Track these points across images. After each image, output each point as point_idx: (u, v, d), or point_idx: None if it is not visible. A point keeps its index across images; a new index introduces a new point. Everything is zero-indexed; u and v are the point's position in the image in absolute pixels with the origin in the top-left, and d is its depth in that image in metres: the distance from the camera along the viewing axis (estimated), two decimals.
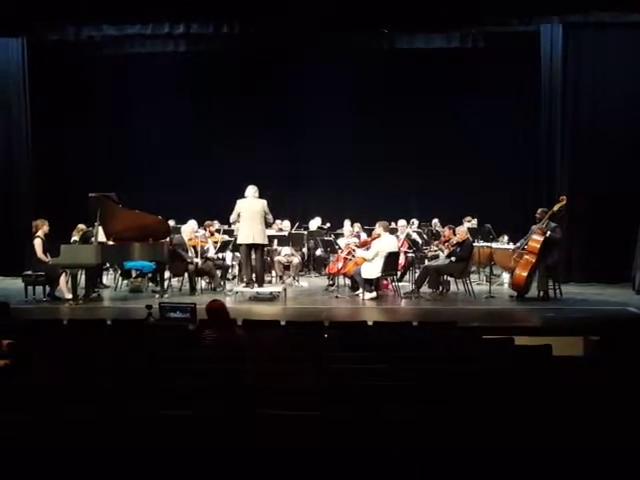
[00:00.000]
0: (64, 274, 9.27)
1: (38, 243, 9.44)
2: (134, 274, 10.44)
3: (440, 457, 2.98)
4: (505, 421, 3.26)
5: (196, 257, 10.09)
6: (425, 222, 12.89)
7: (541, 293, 9.16)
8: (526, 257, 9.08)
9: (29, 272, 9.49)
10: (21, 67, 11.84)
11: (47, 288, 9.49)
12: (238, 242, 9.80)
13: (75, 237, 10.53)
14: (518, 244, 9.50)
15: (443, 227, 11.48)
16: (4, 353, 5.03)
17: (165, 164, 13.78)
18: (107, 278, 11.30)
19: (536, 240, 9.03)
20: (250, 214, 9.38)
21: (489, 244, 10.80)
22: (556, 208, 9.28)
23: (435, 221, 12.91)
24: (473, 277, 10.75)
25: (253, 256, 9.58)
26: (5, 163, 11.99)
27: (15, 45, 11.82)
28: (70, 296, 9.15)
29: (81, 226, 10.61)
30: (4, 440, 3.07)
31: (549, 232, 9.03)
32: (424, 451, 2.98)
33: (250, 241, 9.42)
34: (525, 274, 9.04)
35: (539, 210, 9.37)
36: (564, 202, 9.39)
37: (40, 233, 9.51)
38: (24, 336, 5.70)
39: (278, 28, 11.36)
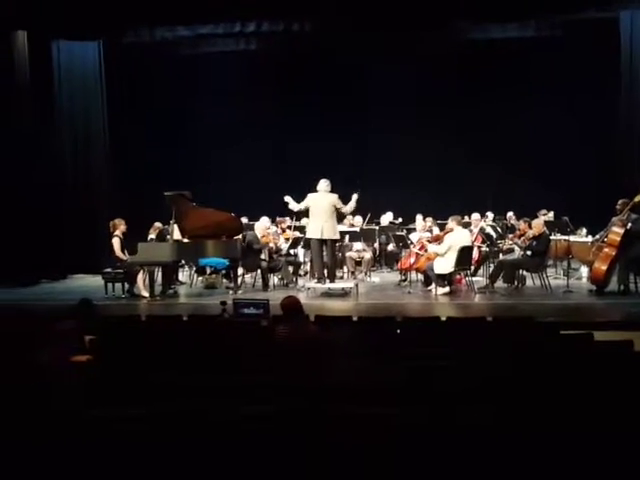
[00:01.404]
0: (141, 271, 9.54)
1: (116, 242, 9.73)
2: (208, 271, 10.62)
3: (517, 457, 2.92)
4: (585, 418, 3.17)
5: (269, 253, 10.20)
6: (500, 215, 12.62)
7: (621, 287, 8.83)
8: (606, 250, 8.77)
9: (109, 270, 9.82)
10: (98, 69, 12.36)
11: (126, 285, 9.79)
12: (307, 236, 9.81)
13: (152, 235, 10.82)
14: (597, 236, 9.19)
15: (518, 220, 11.20)
16: (86, 348, 5.23)
17: (235, 161, 13.88)
18: (183, 275, 11.56)
19: (616, 232, 8.71)
20: (319, 208, 9.32)
21: (566, 237, 10.50)
22: (637, 199, 8.87)
23: (510, 214, 12.61)
24: (550, 271, 10.47)
25: (324, 252, 9.59)
26: (85, 164, 12.47)
27: (92, 48, 12.31)
28: (147, 293, 9.42)
29: (157, 224, 10.91)
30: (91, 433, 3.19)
31: (630, 224, 8.69)
32: (500, 453, 2.93)
33: (319, 236, 9.32)
34: (605, 267, 8.74)
35: (620, 201, 8.99)
36: None
37: (118, 232, 9.78)
38: (105, 332, 5.89)
39: (350, 24, 11.36)
